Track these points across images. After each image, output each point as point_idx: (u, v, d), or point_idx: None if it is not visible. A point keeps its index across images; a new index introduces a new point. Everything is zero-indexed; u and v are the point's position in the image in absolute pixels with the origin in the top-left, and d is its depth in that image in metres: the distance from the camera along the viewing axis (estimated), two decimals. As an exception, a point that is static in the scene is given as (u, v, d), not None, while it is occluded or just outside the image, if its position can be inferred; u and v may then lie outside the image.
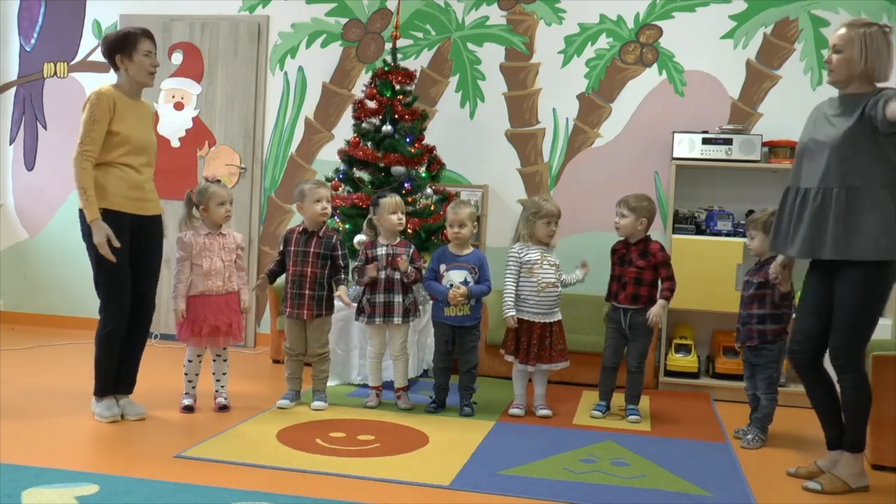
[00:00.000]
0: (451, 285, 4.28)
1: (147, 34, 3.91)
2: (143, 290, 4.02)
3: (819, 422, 3.50)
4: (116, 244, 3.74)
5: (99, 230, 3.73)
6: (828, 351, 3.40)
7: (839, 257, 3.24)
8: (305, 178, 5.75)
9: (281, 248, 4.39)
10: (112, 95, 3.83)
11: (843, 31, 3.27)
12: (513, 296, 4.30)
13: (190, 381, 4.23)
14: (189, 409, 4.17)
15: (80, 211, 3.81)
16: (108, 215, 3.79)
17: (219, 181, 4.23)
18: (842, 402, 3.37)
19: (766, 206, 5.05)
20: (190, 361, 4.23)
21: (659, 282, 4.36)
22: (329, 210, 4.34)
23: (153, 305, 4.12)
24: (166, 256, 4.26)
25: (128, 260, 3.89)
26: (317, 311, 4.30)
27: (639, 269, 4.32)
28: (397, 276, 4.34)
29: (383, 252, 4.36)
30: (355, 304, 4.41)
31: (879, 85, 3.28)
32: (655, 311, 4.31)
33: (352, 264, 4.52)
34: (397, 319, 4.35)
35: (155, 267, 4.08)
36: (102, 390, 3.97)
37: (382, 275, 4.34)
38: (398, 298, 4.35)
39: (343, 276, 4.33)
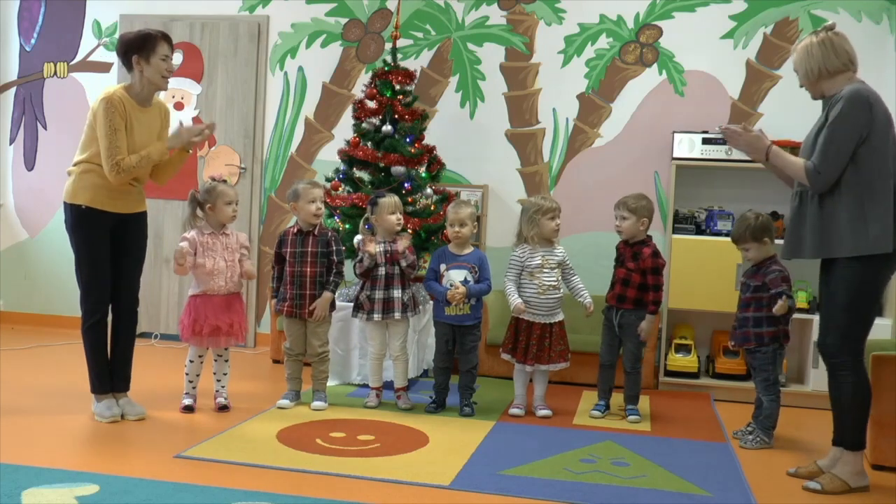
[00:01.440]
0: (451, 285, 4.28)
1: (166, 38, 3.92)
2: (126, 286, 4.05)
3: (832, 416, 3.47)
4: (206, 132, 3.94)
5: (173, 138, 3.93)
6: (820, 349, 3.44)
7: (812, 257, 3.36)
8: (300, 178, 5.75)
9: (277, 250, 4.35)
10: (123, 100, 3.83)
11: (793, 56, 3.46)
12: (514, 291, 4.31)
13: (191, 382, 4.23)
14: (189, 409, 4.17)
15: (66, 204, 3.92)
16: (89, 212, 3.86)
17: (225, 181, 4.24)
18: (840, 400, 3.37)
19: (766, 206, 5.08)
20: (191, 362, 4.23)
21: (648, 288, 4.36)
22: (323, 210, 4.33)
23: (137, 300, 4.13)
24: (165, 256, 4.27)
25: (108, 255, 3.95)
26: (312, 305, 4.30)
27: (628, 270, 4.33)
28: (396, 271, 4.35)
29: (381, 249, 4.36)
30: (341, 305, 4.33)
31: (858, 76, 3.37)
32: (644, 329, 4.31)
33: (352, 263, 4.52)
34: (397, 315, 4.35)
35: (137, 262, 4.11)
36: (99, 387, 3.98)
37: (382, 271, 4.34)
38: (397, 294, 4.35)
39: (335, 279, 4.32)
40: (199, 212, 4.18)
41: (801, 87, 3.48)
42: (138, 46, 3.87)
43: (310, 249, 4.29)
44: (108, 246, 3.94)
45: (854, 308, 3.29)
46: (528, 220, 4.36)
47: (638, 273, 4.31)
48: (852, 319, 3.31)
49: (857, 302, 3.29)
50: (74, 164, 3.94)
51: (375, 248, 4.32)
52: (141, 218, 4.09)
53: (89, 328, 3.94)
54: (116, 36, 3.96)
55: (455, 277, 4.31)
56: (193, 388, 4.24)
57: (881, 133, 3.23)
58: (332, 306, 4.39)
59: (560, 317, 4.37)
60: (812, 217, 3.33)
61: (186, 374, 4.23)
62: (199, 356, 4.23)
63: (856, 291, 3.28)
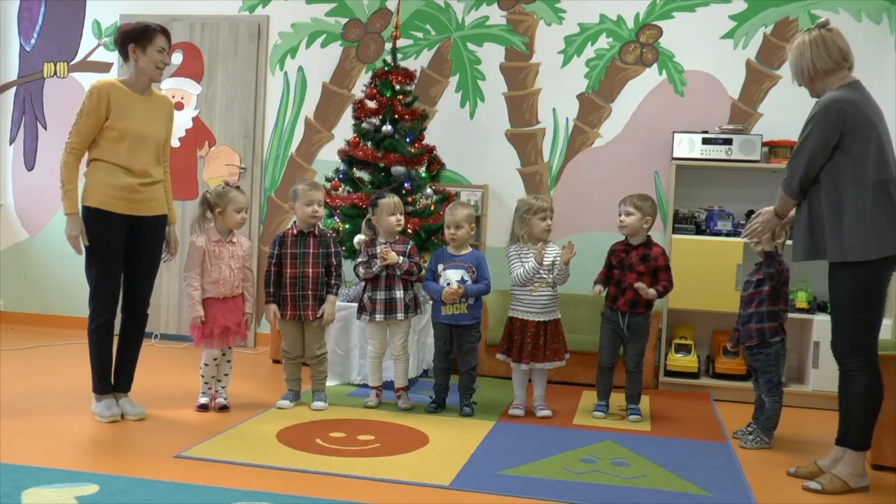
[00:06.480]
0: (448, 284, 4.28)
1: (164, 32, 3.96)
2: (139, 290, 4.04)
3: (839, 415, 3.46)
4: (86, 243, 3.83)
5: (73, 225, 3.81)
6: (832, 351, 3.41)
7: (800, 259, 3.40)
8: (303, 178, 5.75)
9: (275, 251, 4.31)
10: (107, 89, 3.83)
11: (788, 55, 3.48)
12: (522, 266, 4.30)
13: (206, 383, 4.25)
14: (204, 407, 4.19)
15: (80, 207, 3.87)
16: (99, 214, 3.83)
17: (238, 187, 4.25)
18: (851, 400, 3.35)
19: (767, 206, 5.07)
20: (206, 365, 4.23)
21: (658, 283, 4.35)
22: (321, 213, 4.30)
23: (148, 304, 4.12)
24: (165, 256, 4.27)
25: (121, 258, 3.92)
26: (319, 311, 4.31)
27: (639, 274, 4.31)
28: (397, 272, 4.35)
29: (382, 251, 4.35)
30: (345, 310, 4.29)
31: (853, 75, 3.40)
32: (643, 289, 4.24)
33: (352, 262, 4.52)
34: (400, 315, 4.35)
35: (152, 267, 4.09)
36: (101, 387, 3.97)
37: (383, 272, 4.34)
38: (399, 294, 4.36)
39: (336, 281, 4.32)
40: (208, 214, 4.18)
41: (800, 85, 3.48)
42: (136, 36, 3.90)
43: (311, 251, 4.28)
44: (120, 249, 3.91)
45: (854, 311, 3.29)
46: (520, 219, 4.37)
47: (649, 276, 4.30)
48: (856, 322, 3.29)
49: (856, 305, 3.28)
50: (86, 165, 3.93)
51: (396, 257, 4.30)
52: (157, 222, 4.04)
53: (95, 329, 3.92)
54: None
55: (452, 277, 4.31)
56: (209, 388, 4.26)
57: (859, 138, 3.22)
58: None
59: (556, 315, 4.37)
60: (803, 221, 3.37)
61: (202, 376, 4.24)
62: (214, 359, 4.23)
63: (852, 295, 3.28)
